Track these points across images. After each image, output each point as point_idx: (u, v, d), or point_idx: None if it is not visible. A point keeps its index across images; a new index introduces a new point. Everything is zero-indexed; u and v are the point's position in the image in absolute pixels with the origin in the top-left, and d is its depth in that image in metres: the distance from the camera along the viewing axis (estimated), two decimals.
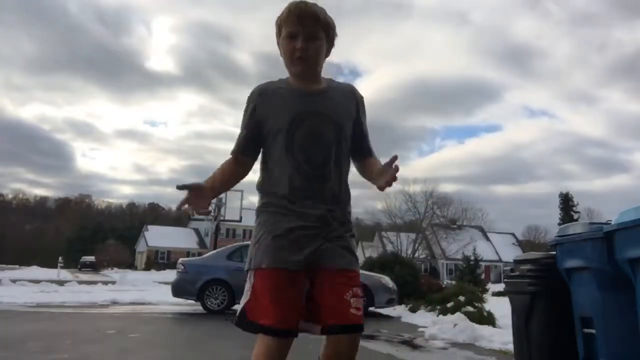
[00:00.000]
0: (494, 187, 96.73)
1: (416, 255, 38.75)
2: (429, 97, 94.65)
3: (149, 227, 64.40)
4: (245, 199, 21.14)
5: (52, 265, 35.85)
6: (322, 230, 1.70)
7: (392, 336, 6.45)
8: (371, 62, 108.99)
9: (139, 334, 6.21)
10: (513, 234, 59.62)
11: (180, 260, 10.36)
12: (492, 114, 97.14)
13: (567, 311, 3.24)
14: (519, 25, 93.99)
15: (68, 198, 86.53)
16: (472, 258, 26.52)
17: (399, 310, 10.06)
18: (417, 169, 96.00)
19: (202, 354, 4.99)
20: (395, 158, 1.66)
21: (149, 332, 6.55)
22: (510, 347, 4.35)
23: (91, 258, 54.41)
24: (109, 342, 5.56)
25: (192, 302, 9.74)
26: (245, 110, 1.81)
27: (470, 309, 8.20)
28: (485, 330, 6.51)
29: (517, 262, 3.95)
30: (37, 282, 17.66)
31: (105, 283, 20.34)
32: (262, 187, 1.80)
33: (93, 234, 69.94)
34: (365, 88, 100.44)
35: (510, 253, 38.84)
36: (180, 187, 1.65)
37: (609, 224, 2.80)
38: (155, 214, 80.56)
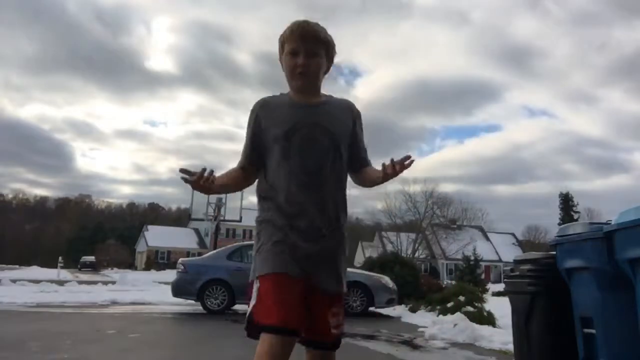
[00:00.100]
0: (494, 187, 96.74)
1: (416, 255, 38.77)
2: (429, 97, 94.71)
3: (149, 227, 64.39)
4: (245, 199, 21.11)
5: (52, 265, 35.85)
6: (315, 242, 1.78)
7: (392, 336, 6.45)
8: (371, 62, 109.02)
9: (139, 334, 6.21)
10: (513, 234, 59.63)
11: (180, 260, 10.35)
12: (492, 114, 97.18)
13: (567, 311, 3.24)
14: (519, 25, 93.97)
15: (68, 198, 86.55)
16: (472, 258, 26.53)
17: (399, 310, 10.06)
18: (417, 169, 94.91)
19: (202, 354, 4.99)
20: (408, 157, 1.76)
21: (149, 332, 6.55)
22: (510, 347, 4.35)
23: (91, 258, 54.40)
24: (109, 342, 5.56)
25: (192, 302, 9.73)
26: (249, 123, 1.91)
27: (470, 309, 8.20)
28: (485, 330, 6.51)
29: (517, 262, 3.94)
30: (37, 282, 17.66)
31: (105, 283, 20.34)
32: (261, 195, 1.88)
33: (93, 234, 69.93)
34: (365, 88, 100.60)
35: (510, 253, 38.81)
36: (182, 170, 1.75)
37: (609, 224, 2.80)
38: (155, 214, 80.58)
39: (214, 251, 11.00)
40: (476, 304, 8.56)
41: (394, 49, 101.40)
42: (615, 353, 2.81)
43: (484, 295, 10.83)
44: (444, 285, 13.78)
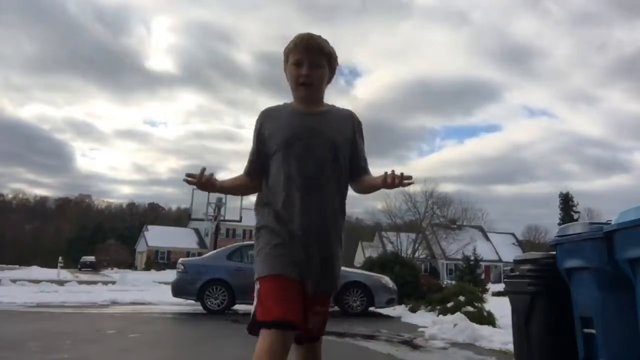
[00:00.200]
0: (494, 187, 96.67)
1: (416, 255, 38.77)
2: (429, 97, 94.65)
3: (149, 227, 64.39)
4: (245, 199, 21.07)
5: (52, 265, 35.85)
6: (312, 246, 1.85)
7: (392, 336, 6.45)
8: (371, 62, 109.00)
9: (139, 334, 6.21)
10: (513, 234, 59.61)
11: (180, 260, 10.35)
12: (492, 114, 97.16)
13: (567, 311, 3.24)
14: (519, 25, 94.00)
15: (68, 198, 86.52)
16: (472, 258, 26.53)
17: (399, 310, 10.06)
18: (417, 169, 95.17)
19: (202, 354, 4.99)
20: (410, 177, 1.81)
21: (149, 332, 6.55)
22: (510, 347, 4.35)
23: (91, 258, 54.38)
24: (109, 342, 5.56)
25: (192, 302, 9.73)
26: (254, 131, 2.00)
27: (470, 309, 8.19)
28: (485, 330, 6.51)
29: (517, 262, 3.94)
30: (37, 282, 17.68)
31: (105, 283, 20.34)
32: (262, 201, 1.96)
33: (93, 234, 69.93)
34: (365, 88, 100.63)
35: (510, 253, 38.83)
36: (188, 175, 1.85)
37: (609, 224, 2.80)
38: (155, 214, 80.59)
39: (214, 251, 11.00)
40: (476, 304, 8.56)
41: (394, 49, 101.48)
42: (615, 353, 2.81)
43: (484, 295, 10.83)
44: (444, 285, 13.77)
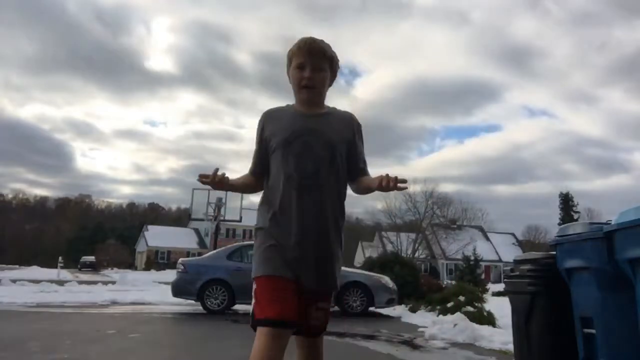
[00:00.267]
0: (494, 187, 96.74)
1: (416, 255, 38.79)
2: (429, 97, 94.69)
3: (149, 227, 64.39)
4: (245, 199, 21.14)
5: (52, 265, 35.86)
6: (308, 245, 1.89)
7: (392, 336, 6.45)
8: (371, 62, 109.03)
9: (139, 334, 6.21)
10: (513, 234, 59.60)
11: (180, 260, 10.34)
12: (492, 114, 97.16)
13: (567, 311, 3.24)
14: (519, 25, 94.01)
15: (68, 198, 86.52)
16: (472, 258, 26.54)
17: (399, 310, 10.06)
18: (417, 169, 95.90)
19: (202, 354, 4.99)
20: (405, 181, 1.85)
21: (149, 332, 6.55)
22: (510, 347, 4.35)
23: (91, 258, 54.37)
24: (109, 342, 5.56)
25: (192, 302, 9.73)
26: (256, 131, 2.06)
27: (470, 309, 8.20)
28: (485, 330, 6.51)
29: (517, 262, 3.94)
30: (37, 282, 17.67)
31: (105, 283, 20.33)
32: (262, 200, 2.02)
33: (93, 234, 69.91)
34: (365, 88, 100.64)
35: (510, 253, 38.83)
36: (202, 175, 1.90)
37: (609, 224, 2.80)
38: (155, 214, 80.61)
39: (214, 251, 10.99)
40: (476, 304, 8.56)
41: (393, 49, 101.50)
42: (615, 353, 2.81)
43: (484, 295, 10.83)
44: (444, 285, 13.77)
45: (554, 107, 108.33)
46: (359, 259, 45.49)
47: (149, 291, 14.92)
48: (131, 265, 59.08)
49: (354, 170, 2.04)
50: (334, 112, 2.07)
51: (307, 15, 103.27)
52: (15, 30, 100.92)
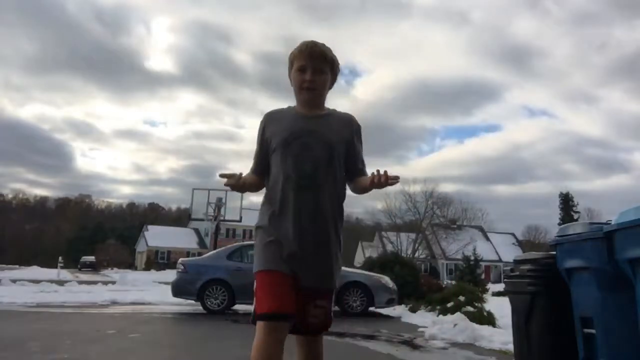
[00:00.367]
0: (494, 187, 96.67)
1: (416, 255, 38.79)
2: (428, 97, 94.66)
3: (149, 227, 64.38)
4: (245, 199, 21.17)
5: (52, 265, 35.86)
6: (305, 243, 1.94)
7: (392, 336, 6.45)
8: (371, 62, 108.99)
9: (139, 334, 6.21)
10: (513, 234, 59.60)
11: (180, 260, 10.35)
12: (492, 114, 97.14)
13: (567, 311, 3.24)
14: (518, 25, 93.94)
15: (68, 198, 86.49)
16: (472, 258, 26.53)
17: (399, 310, 10.06)
18: (417, 169, 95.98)
19: (202, 354, 4.99)
20: (397, 178, 1.90)
21: (149, 332, 6.55)
22: (510, 347, 4.35)
23: (91, 258, 54.37)
24: (109, 342, 5.56)
25: (192, 302, 9.73)
26: (258, 132, 2.12)
27: (470, 309, 8.20)
28: (485, 330, 6.51)
29: (517, 262, 3.94)
30: (37, 282, 17.66)
31: (105, 283, 20.33)
32: (264, 199, 2.07)
33: (93, 234, 69.90)
34: (365, 88, 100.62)
35: (510, 253, 38.81)
36: (222, 175, 1.99)
37: (609, 224, 2.80)
38: (155, 214, 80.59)
39: (214, 251, 10.99)
40: (476, 304, 8.56)
41: (393, 49, 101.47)
42: (615, 353, 2.81)
43: (484, 295, 10.83)
44: (444, 285, 13.77)
45: (554, 107, 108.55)
46: (359, 259, 45.48)
47: (149, 291, 14.92)
48: (131, 265, 59.07)
49: (352, 171, 2.09)
50: (333, 113, 2.11)
51: (307, 15, 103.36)
52: (15, 30, 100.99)
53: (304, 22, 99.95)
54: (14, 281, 17.74)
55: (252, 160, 2.14)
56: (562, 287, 3.28)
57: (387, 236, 42.98)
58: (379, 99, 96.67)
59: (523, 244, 55.93)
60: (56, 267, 27.82)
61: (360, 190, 2.09)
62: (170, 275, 12.75)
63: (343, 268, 11.01)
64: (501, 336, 5.89)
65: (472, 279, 21.49)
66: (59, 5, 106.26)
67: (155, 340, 5.91)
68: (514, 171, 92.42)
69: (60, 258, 29.03)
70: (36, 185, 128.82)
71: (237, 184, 1.97)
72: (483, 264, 31.87)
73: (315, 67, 2.01)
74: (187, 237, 62.36)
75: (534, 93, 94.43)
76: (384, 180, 1.88)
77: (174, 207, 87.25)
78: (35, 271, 32.42)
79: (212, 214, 18.79)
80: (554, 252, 3.41)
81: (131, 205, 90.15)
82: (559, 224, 31.60)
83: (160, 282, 19.75)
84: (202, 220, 20.85)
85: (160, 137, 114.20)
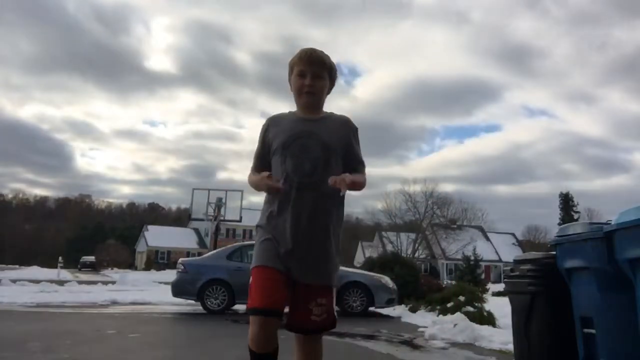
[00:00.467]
0: (494, 187, 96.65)
1: (416, 255, 38.78)
2: (428, 97, 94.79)
3: (149, 227, 64.39)
4: (245, 199, 21.14)
5: (52, 265, 35.85)
6: (302, 241, 2.00)
7: (392, 336, 6.45)
8: (370, 61, 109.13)
9: (139, 334, 6.21)
10: (513, 234, 59.58)
11: (180, 260, 10.35)
12: (492, 113, 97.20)
13: (567, 311, 3.24)
14: (518, 25, 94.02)
15: (68, 198, 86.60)
16: (472, 258, 26.54)
17: (399, 310, 10.06)
18: (417, 169, 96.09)
19: (202, 354, 4.99)
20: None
21: (149, 332, 6.55)
22: (510, 347, 4.35)
23: (91, 258, 54.36)
24: (109, 342, 5.56)
25: (192, 302, 9.73)
26: (260, 134, 2.22)
27: (470, 309, 8.20)
28: (485, 330, 6.51)
29: (517, 262, 3.95)
30: (37, 282, 17.65)
31: (105, 283, 20.33)
32: (265, 199, 2.14)
33: (93, 234, 69.89)
34: (365, 88, 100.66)
35: (510, 253, 38.80)
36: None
37: (609, 224, 2.80)
38: (155, 214, 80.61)
39: (214, 251, 11.00)
40: (476, 304, 8.56)
41: (393, 48, 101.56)
42: (615, 353, 2.81)
43: (484, 295, 10.82)
44: (444, 285, 13.77)
45: (553, 107, 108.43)
46: (359, 259, 45.48)
47: (149, 291, 14.92)
48: (131, 265, 59.07)
49: (349, 170, 2.14)
50: (331, 116, 2.21)
51: (306, 15, 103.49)
52: (15, 30, 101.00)
53: (304, 22, 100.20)
54: (14, 281, 17.74)
55: (253, 160, 2.23)
56: (562, 287, 3.28)
57: (387, 236, 42.97)
58: (378, 99, 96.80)
59: (523, 244, 55.91)
60: (56, 267, 27.79)
61: (351, 189, 2.14)
62: (170, 275, 12.74)
63: (343, 268, 10.99)
64: (501, 336, 5.89)
65: (472, 279, 21.51)
66: (58, 5, 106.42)
67: (155, 340, 5.91)
68: (514, 171, 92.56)
69: (60, 258, 29.00)
70: (36, 185, 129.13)
71: (274, 187, 2.04)
72: (483, 264, 31.86)
73: (314, 72, 2.11)
74: (187, 237, 62.36)
75: (534, 93, 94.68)
76: (334, 184, 1.95)
77: (174, 207, 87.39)
78: (35, 271, 32.40)
79: (212, 214, 18.79)
80: (554, 252, 3.41)
81: (131, 205, 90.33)
82: (559, 224, 31.62)
83: (160, 282, 19.74)
84: (202, 220, 20.85)
85: (160, 137, 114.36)
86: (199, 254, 24.16)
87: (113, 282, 20.80)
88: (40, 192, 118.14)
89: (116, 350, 5.02)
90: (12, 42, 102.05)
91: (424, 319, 8.35)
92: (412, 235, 40.48)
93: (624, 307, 2.71)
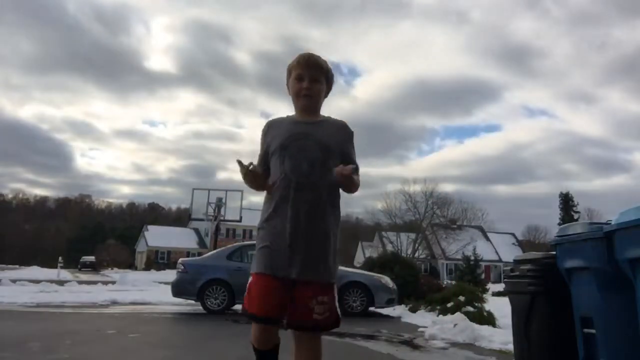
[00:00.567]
0: (494, 187, 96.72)
1: (416, 255, 38.78)
2: (428, 97, 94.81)
3: (149, 227, 64.35)
4: (245, 199, 21.16)
5: (52, 265, 35.85)
6: (299, 242, 2.04)
7: (392, 336, 6.45)
8: (370, 61, 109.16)
9: (139, 334, 6.21)
10: (513, 234, 59.58)
11: (180, 260, 10.35)
12: (492, 113, 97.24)
13: (567, 311, 3.24)
14: (518, 25, 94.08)
15: (68, 198, 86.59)
16: (472, 258, 26.55)
17: (399, 310, 10.06)
18: (417, 169, 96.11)
19: (202, 354, 4.99)
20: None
21: (149, 332, 6.55)
22: (510, 347, 4.35)
23: (91, 258, 54.34)
24: (109, 342, 5.56)
25: (192, 302, 9.73)
26: (261, 138, 2.28)
27: (470, 309, 8.20)
28: (485, 330, 6.51)
29: (517, 262, 3.94)
30: (37, 282, 17.66)
31: (105, 283, 20.32)
32: (264, 199, 2.19)
33: (93, 234, 69.90)
34: (365, 88, 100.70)
35: (510, 253, 38.82)
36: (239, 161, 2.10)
37: (609, 224, 2.80)
38: (155, 214, 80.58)
39: (214, 251, 10.99)
40: (476, 304, 8.57)
41: (393, 48, 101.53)
42: (616, 353, 2.81)
43: (484, 295, 10.82)
44: (444, 285, 13.76)
45: (553, 107, 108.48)
46: (359, 259, 45.48)
47: (149, 291, 14.92)
48: (131, 265, 59.06)
49: None
50: (328, 119, 2.26)
51: (306, 15, 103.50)
52: (15, 30, 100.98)
53: (304, 22, 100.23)
54: (14, 281, 17.74)
55: (256, 160, 2.28)
56: (562, 287, 3.28)
57: (387, 236, 42.97)
58: (378, 99, 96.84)
59: (523, 244, 55.90)
60: (56, 267, 27.80)
61: (346, 188, 2.19)
62: (170, 275, 12.74)
63: (343, 268, 10.95)
64: (501, 336, 5.89)
65: (472, 279, 21.53)
66: (58, 5, 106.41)
67: (155, 340, 5.91)
68: (514, 171, 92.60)
69: (60, 258, 29.01)
70: (36, 185, 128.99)
71: (246, 170, 2.07)
72: (483, 264, 31.88)
73: (312, 76, 2.17)
74: (187, 237, 62.34)
75: (534, 93, 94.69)
76: (346, 173, 1.98)
77: (174, 207, 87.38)
78: (35, 271, 32.42)
79: (212, 214, 18.81)
80: (554, 252, 3.41)
81: (131, 205, 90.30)
82: (559, 224, 31.61)
83: (160, 282, 19.74)
84: (202, 220, 20.87)
85: (160, 137, 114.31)
86: (199, 254, 24.16)
87: (113, 282, 20.79)
88: (40, 192, 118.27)
89: (116, 350, 5.02)
90: (12, 42, 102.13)
91: (424, 319, 8.35)
92: (412, 235, 40.47)
93: (624, 307, 2.71)
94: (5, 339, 5.31)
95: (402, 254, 29.20)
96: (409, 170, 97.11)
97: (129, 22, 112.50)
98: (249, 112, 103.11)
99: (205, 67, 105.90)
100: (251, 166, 2.08)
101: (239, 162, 2.07)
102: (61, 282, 18.25)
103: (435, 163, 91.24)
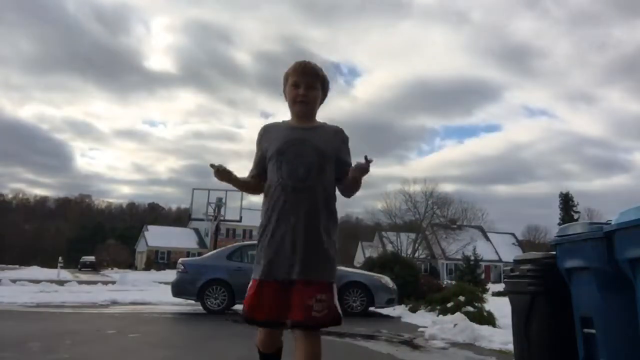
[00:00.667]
0: (494, 187, 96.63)
1: (416, 255, 38.79)
2: (428, 97, 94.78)
3: (149, 227, 64.34)
4: (245, 199, 21.14)
5: (52, 265, 35.85)
6: (297, 243, 2.08)
7: (392, 336, 6.45)
8: (370, 61, 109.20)
9: (139, 334, 6.21)
10: (513, 234, 59.56)
11: (180, 260, 10.35)
12: (492, 113, 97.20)
13: (567, 311, 3.24)
14: (518, 25, 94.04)
15: (68, 198, 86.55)
16: (472, 258, 26.54)
17: (399, 310, 10.05)
18: (417, 169, 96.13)
19: (202, 354, 4.99)
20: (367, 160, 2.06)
21: (149, 332, 6.55)
22: (510, 347, 4.35)
23: (91, 258, 54.33)
24: (109, 342, 5.56)
25: (192, 302, 9.72)
26: (256, 142, 2.33)
27: (470, 309, 8.20)
28: (485, 330, 6.51)
29: (517, 262, 3.94)
30: (37, 282, 17.65)
31: (105, 283, 20.32)
32: (262, 203, 2.23)
33: (93, 234, 69.89)
34: (365, 88, 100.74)
35: (510, 253, 38.80)
36: (213, 165, 2.21)
37: (609, 224, 2.80)
38: (155, 214, 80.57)
39: (214, 251, 10.99)
40: (476, 304, 8.57)
41: (393, 48, 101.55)
42: (616, 353, 2.81)
43: (484, 295, 10.82)
44: (444, 285, 13.76)
45: (553, 107, 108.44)
46: (359, 259, 45.49)
47: (149, 291, 14.91)
48: (131, 265, 59.06)
49: (341, 177, 2.24)
50: (324, 125, 2.31)
51: (306, 15, 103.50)
52: (15, 30, 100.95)
53: (304, 21, 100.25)
54: (14, 281, 17.73)
55: (252, 164, 2.34)
56: (562, 287, 3.28)
57: (387, 236, 42.98)
58: (378, 99, 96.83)
59: (523, 244, 55.89)
60: (56, 267, 27.80)
61: (347, 188, 2.25)
62: (170, 275, 12.74)
63: (343, 268, 10.93)
64: (501, 336, 5.88)
65: (472, 279, 21.52)
66: (58, 5, 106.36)
67: (155, 340, 5.91)
68: (514, 171, 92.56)
69: (60, 258, 29.00)
70: (36, 185, 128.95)
71: (218, 170, 2.18)
72: (483, 264, 31.88)
73: (308, 83, 2.21)
74: (187, 237, 62.34)
75: (534, 93, 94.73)
76: (365, 165, 2.04)
77: (174, 207, 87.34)
78: (35, 271, 32.42)
79: (212, 214, 18.81)
80: (554, 252, 3.41)
81: (131, 205, 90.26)
82: (559, 224, 31.61)
83: (160, 282, 19.73)
84: (202, 220, 20.86)
85: (160, 137, 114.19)
86: (199, 254, 24.15)
87: (113, 282, 20.78)
88: (40, 192, 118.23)
89: (116, 350, 5.02)
90: (12, 42, 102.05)
91: (424, 319, 8.35)
92: (412, 235, 40.49)
93: (624, 307, 2.71)
94: (5, 339, 5.31)
95: (402, 254, 29.20)
96: (409, 170, 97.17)
97: (129, 22, 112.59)
98: (249, 112, 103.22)
99: (205, 67, 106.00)
100: (220, 167, 2.17)
101: (211, 165, 2.16)
102: (61, 282, 18.24)
103: (435, 163, 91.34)
